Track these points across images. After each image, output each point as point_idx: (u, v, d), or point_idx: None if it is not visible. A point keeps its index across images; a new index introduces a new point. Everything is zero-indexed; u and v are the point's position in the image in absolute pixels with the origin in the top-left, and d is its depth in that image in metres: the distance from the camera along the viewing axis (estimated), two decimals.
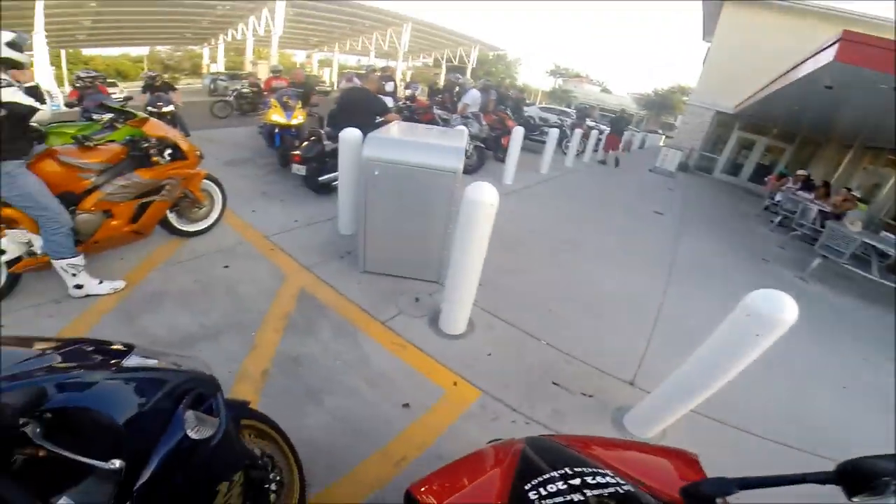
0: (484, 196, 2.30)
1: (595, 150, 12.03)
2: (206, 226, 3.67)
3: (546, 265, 4.13)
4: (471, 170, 7.03)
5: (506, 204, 5.70)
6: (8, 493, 0.61)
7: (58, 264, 2.54)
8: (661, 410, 2.13)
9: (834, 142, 13.27)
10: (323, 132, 5.03)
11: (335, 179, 4.39)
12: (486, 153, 7.51)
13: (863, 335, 4.14)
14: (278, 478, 1.45)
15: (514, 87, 21.66)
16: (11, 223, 2.47)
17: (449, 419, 2.12)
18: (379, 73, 7.12)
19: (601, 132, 12.74)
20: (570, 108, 22.24)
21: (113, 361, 0.89)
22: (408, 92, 10.03)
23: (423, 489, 0.92)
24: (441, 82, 13.79)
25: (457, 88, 8.25)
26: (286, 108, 5.77)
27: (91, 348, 0.93)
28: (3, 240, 2.45)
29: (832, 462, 0.68)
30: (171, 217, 3.43)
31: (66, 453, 0.66)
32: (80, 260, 2.62)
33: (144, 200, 2.98)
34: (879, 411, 2.88)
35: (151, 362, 0.97)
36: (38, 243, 2.55)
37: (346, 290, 3.06)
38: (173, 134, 3.23)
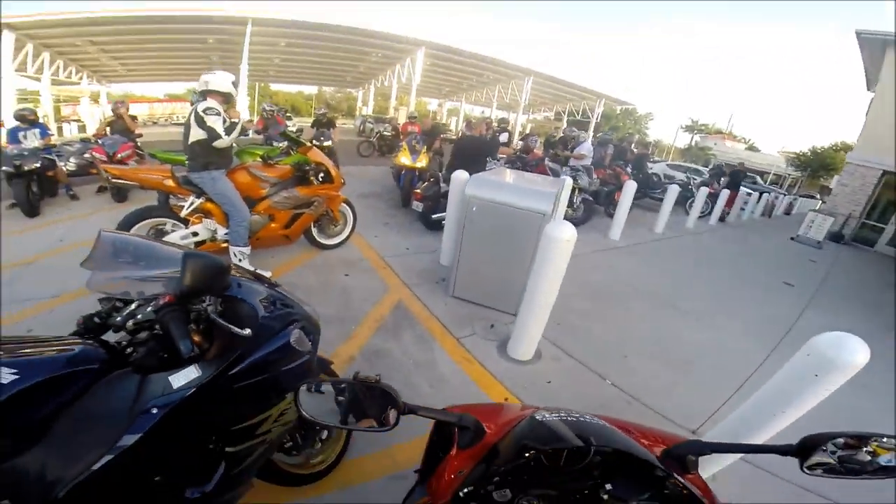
0: (561, 234, 2.59)
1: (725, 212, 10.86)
2: (338, 241, 4.59)
3: (634, 319, 4.08)
4: (576, 222, 6.95)
5: (605, 258, 5.90)
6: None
7: (233, 249, 3.51)
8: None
9: None
10: (441, 175, 5.77)
11: (445, 217, 5.01)
12: (595, 207, 7.45)
13: None
14: (327, 431, 1.83)
15: (641, 142, 20.71)
16: (207, 214, 3.53)
17: None
18: (487, 120, 7.69)
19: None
20: (706, 166, 20.48)
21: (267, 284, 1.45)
22: (520, 144, 10.51)
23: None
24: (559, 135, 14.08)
25: (570, 142, 8.40)
26: (413, 151, 6.47)
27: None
28: (200, 225, 3.50)
29: None
30: (314, 231, 4.38)
31: (225, 324, 1.08)
32: (247, 250, 3.58)
33: (297, 212, 3.90)
34: None
35: (290, 294, 1.53)
36: (220, 233, 3.57)
37: (434, 307, 3.56)
38: (327, 161, 4.17)
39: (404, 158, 6.46)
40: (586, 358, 3.16)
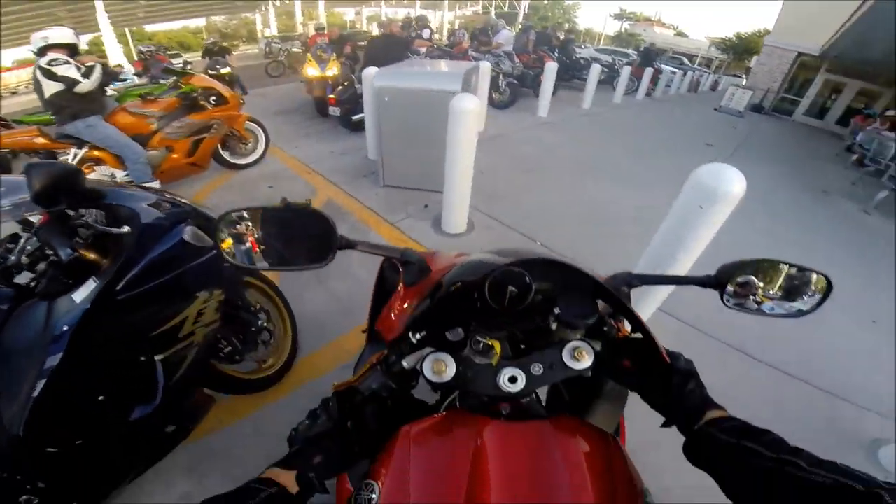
0: (466, 105, 2.59)
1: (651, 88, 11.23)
2: (253, 159, 4.35)
3: (562, 185, 4.25)
4: (503, 105, 7.11)
5: (534, 134, 5.96)
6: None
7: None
8: None
9: None
10: (355, 77, 5.43)
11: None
12: (521, 90, 7.52)
13: None
14: (269, 328, 1.83)
15: (570, 30, 20.14)
16: (98, 162, 3.33)
17: None
18: (405, 19, 7.31)
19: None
20: (638, 51, 20.52)
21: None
22: (449, 39, 10.01)
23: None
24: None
25: (491, 31, 8.11)
26: (320, 61, 6.05)
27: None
28: (93, 174, 3.32)
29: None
30: (225, 154, 4.13)
31: (105, 227, 1.12)
32: (157, 184, 3.34)
33: (197, 138, 3.69)
34: None
35: (181, 197, 1.47)
36: (119, 175, 3.37)
37: (365, 199, 3.53)
38: (215, 84, 3.91)
39: (311, 70, 6.08)
40: (517, 224, 3.31)
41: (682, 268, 1.78)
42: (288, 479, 0.52)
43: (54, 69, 2.93)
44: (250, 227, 0.73)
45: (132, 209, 1.22)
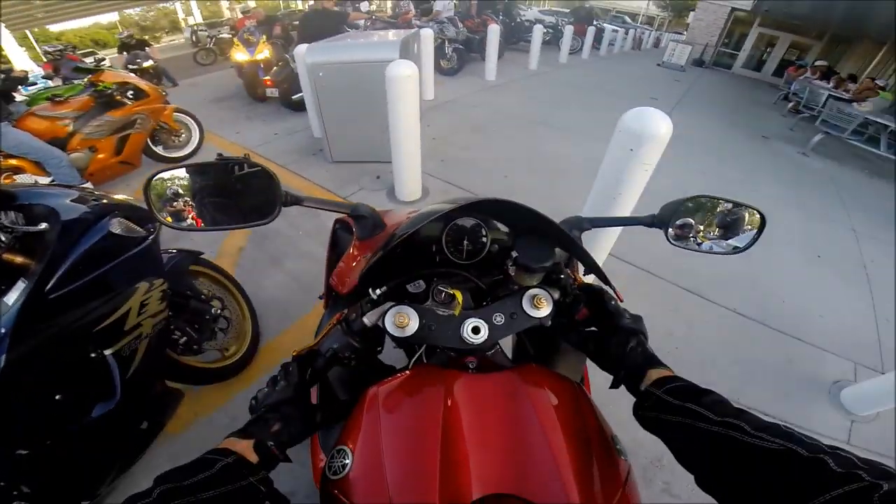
0: (401, 71, 2.54)
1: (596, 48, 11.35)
2: (188, 151, 4.12)
3: (513, 144, 4.27)
4: (451, 71, 7.02)
5: (482, 97, 5.92)
6: None
7: None
8: None
9: (868, 38, 11.86)
10: (289, 56, 5.18)
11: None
12: (468, 56, 7.43)
13: (858, 207, 3.97)
14: (225, 315, 1.81)
15: None
16: (17, 171, 3.06)
17: None
18: None
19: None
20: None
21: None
22: (393, 11, 9.68)
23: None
24: None
25: None
26: (248, 44, 5.71)
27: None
28: (14, 183, 3.01)
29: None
30: (158, 149, 3.90)
31: (24, 227, 1.07)
32: (89, 186, 3.11)
33: (122, 135, 3.47)
34: (843, 280, 2.79)
35: (104, 191, 1.39)
36: (44, 181, 3.09)
37: (315, 177, 3.42)
38: (130, 77, 3.69)
39: (239, 55, 5.70)
40: (471, 184, 3.31)
41: (625, 209, 1.83)
42: (246, 448, 0.49)
43: None
44: (183, 189, 0.70)
45: (49, 207, 1.17)
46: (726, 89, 10.41)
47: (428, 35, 5.27)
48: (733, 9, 13.75)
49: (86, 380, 1.16)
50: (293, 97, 4.95)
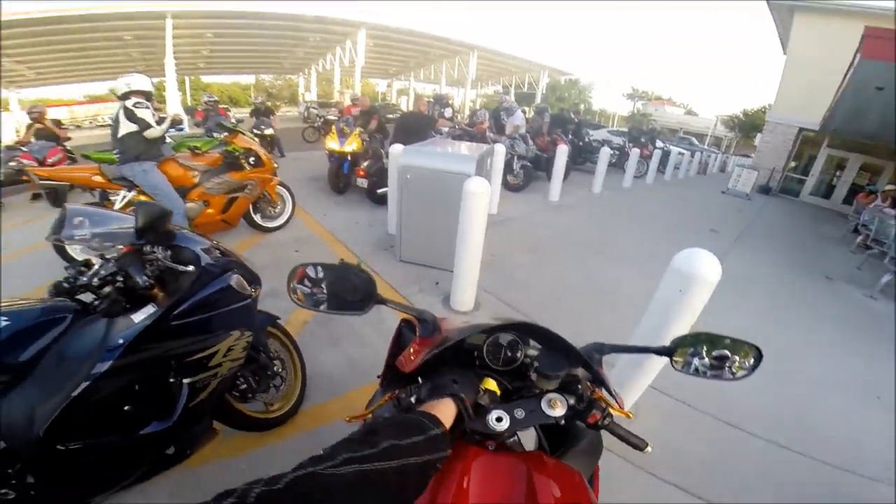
0: (475, 188, 2.94)
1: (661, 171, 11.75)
2: (281, 223, 4.72)
3: (568, 268, 4.51)
4: (517, 187, 7.52)
5: (544, 217, 6.34)
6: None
7: None
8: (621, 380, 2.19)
9: None
10: (384, 152, 5.93)
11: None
12: (534, 173, 7.92)
13: None
14: (282, 374, 2.07)
15: (586, 111, 21.40)
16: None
17: None
18: (429, 99, 7.92)
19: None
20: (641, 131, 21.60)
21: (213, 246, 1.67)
22: (469, 119, 10.73)
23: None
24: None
25: (505, 113, 8.68)
26: (341, 135, 6.19)
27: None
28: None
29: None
30: (256, 217, 4.49)
31: (173, 264, 1.37)
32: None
33: (232, 196, 4.03)
34: None
35: (228, 248, 1.78)
36: None
37: (383, 271, 3.83)
38: (256, 146, 4.32)
39: (332, 143, 6.23)
40: (522, 304, 3.53)
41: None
42: None
43: (136, 111, 3.34)
44: (313, 279, 0.99)
45: (194, 252, 1.50)
46: (792, 221, 10.20)
47: (500, 151, 5.84)
48: (801, 129, 13.42)
49: (156, 399, 1.32)
50: (378, 190, 5.60)
